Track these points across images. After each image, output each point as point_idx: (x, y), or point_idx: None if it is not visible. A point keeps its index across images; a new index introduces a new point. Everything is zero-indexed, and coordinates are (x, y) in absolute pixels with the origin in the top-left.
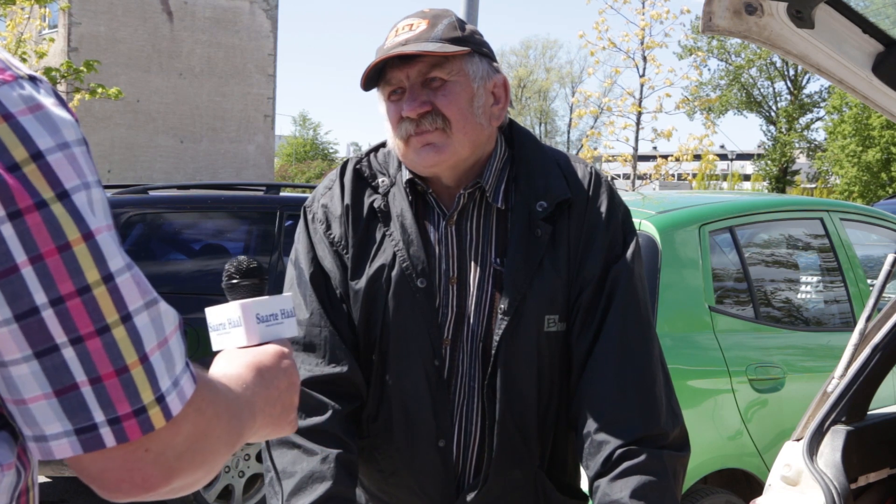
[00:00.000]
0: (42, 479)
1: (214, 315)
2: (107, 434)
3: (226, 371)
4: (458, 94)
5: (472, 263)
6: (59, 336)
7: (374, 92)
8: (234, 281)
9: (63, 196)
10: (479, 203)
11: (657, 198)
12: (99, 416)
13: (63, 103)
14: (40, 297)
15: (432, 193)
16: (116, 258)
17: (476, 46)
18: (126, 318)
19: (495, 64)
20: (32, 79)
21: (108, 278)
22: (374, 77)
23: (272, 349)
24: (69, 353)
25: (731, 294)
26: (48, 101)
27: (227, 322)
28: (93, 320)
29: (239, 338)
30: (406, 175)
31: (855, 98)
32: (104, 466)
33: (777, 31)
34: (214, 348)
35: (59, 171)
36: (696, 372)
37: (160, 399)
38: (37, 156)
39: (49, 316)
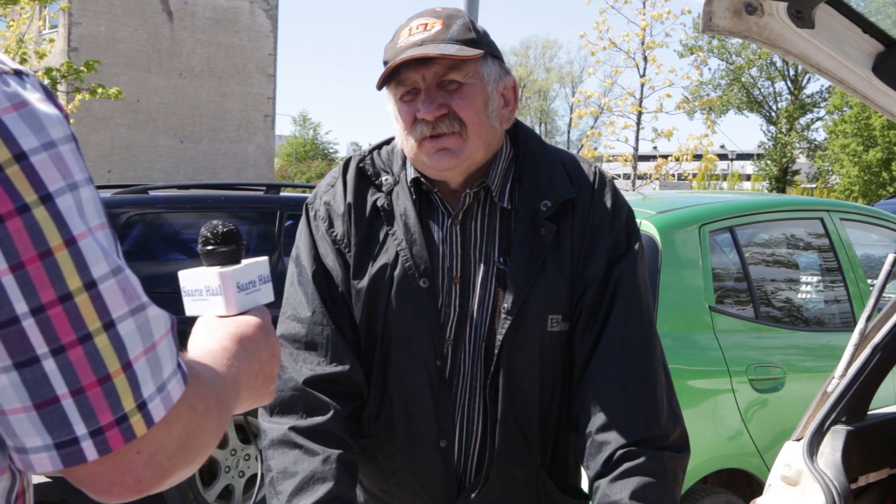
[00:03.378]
0: (42, 479)
1: (190, 279)
2: (88, 447)
3: (209, 346)
4: (474, 97)
5: (476, 263)
6: (40, 346)
7: (374, 91)
8: (211, 247)
9: (46, 199)
10: (483, 202)
11: (657, 198)
12: (80, 428)
13: (51, 98)
14: (21, 307)
15: (437, 193)
16: (100, 263)
17: (489, 48)
18: (109, 326)
19: (505, 66)
20: (18, 73)
21: (90, 285)
22: (387, 76)
23: (253, 320)
24: (50, 365)
25: (731, 294)
26: (34, 97)
27: (204, 289)
28: (74, 328)
29: (218, 306)
30: (411, 174)
31: (855, 98)
32: (95, 471)
33: (777, 30)
34: (188, 313)
35: (44, 172)
36: (697, 372)
37: (141, 406)
38: (20, 157)
39: (30, 325)
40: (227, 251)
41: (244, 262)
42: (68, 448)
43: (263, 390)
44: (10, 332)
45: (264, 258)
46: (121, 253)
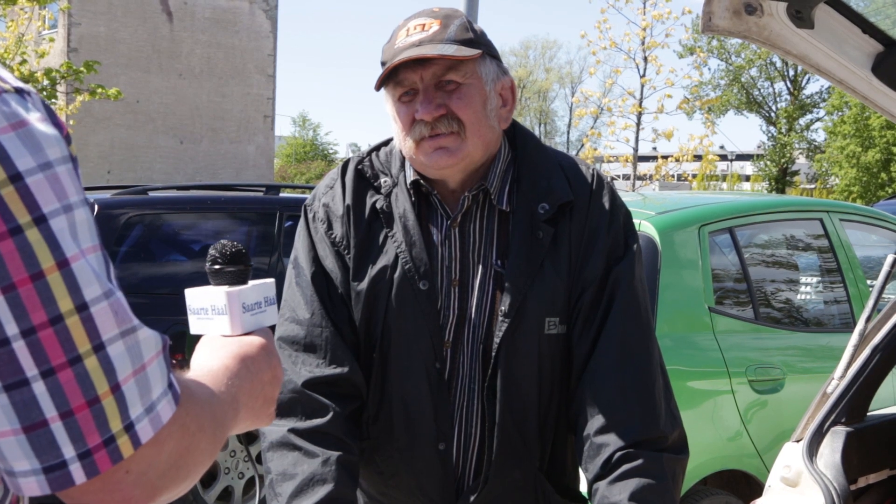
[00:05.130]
0: None
1: (196, 298)
2: (76, 470)
3: (211, 364)
4: (472, 97)
5: (475, 265)
6: (30, 369)
7: (373, 91)
8: (218, 266)
9: (40, 221)
10: (482, 205)
11: (657, 198)
12: (69, 451)
13: (51, 116)
14: (11, 328)
15: (436, 195)
16: (93, 286)
17: (486, 48)
18: (98, 348)
19: (503, 65)
20: (20, 92)
21: (81, 307)
22: (385, 76)
23: (257, 340)
24: (39, 388)
25: (730, 295)
26: (33, 117)
27: (209, 308)
28: (65, 351)
29: (223, 326)
30: (410, 176)
31: (855, 98)
32: (84, 489)
33: (777, 31)
34: (193, 332)
35: (38, 193)
36: (696, 373)
37: (129, 427)
38: (15, 177)
39: (20, 347)
40: (235, 271)
41: (251, 283)
42: (56, 472)
43: (263, 412)
44: (0, 353)
45: (271, 280)
46: (113, 276)
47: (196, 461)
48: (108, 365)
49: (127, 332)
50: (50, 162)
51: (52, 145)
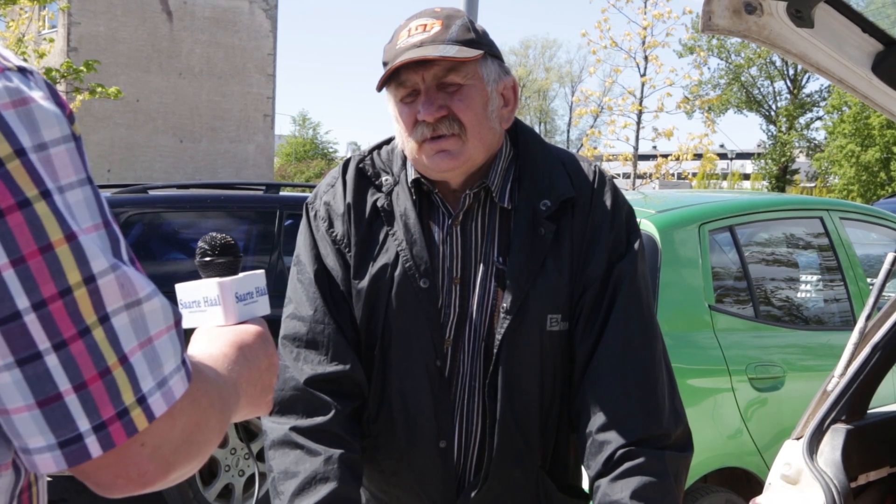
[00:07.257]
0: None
1: (187, 292)
2: (92, 443)
3: (210, 351)
4: (473, 98)
5: (476, 263)
6: (42, 342)
7: (373, 90)
8: (208, 258)
9: (46, 195)
10: (483, 203)
11: (658, 197)
12: (84, 423)
13: (54, 96)
14: (22, 302)
15: (438, 193)
16: (100, 259)
17: (488, 48)
18: (104, 319)
19: (505, 65)
20: (22, 70)
21: (89, 279)
22: (386, 77)
23: (253, 329)
24: (52, 361)
25: (730, 293)
26: (37, 95)
27: (202, 300)
28: (74, 322)
29: (216, 317)
30: (412, 174)
31: (855, 97)
32: (99, 464)
33: (777, 30)
34: (185, 326)
35: (43, 168)
36: (696, 371)
37: (141, 400)
38: (20, 152)
39: (31, 321)
40: (225, 262)
41: (242, 274)
42: (72, 446)
43: (261, 400)
44: (12, 327)
45: (261, 271)
46: (125, 250)
47: (206, 438)
48: (114, 336)
49: (132, 305)
50: (54, 139)
51: (56, 123)
